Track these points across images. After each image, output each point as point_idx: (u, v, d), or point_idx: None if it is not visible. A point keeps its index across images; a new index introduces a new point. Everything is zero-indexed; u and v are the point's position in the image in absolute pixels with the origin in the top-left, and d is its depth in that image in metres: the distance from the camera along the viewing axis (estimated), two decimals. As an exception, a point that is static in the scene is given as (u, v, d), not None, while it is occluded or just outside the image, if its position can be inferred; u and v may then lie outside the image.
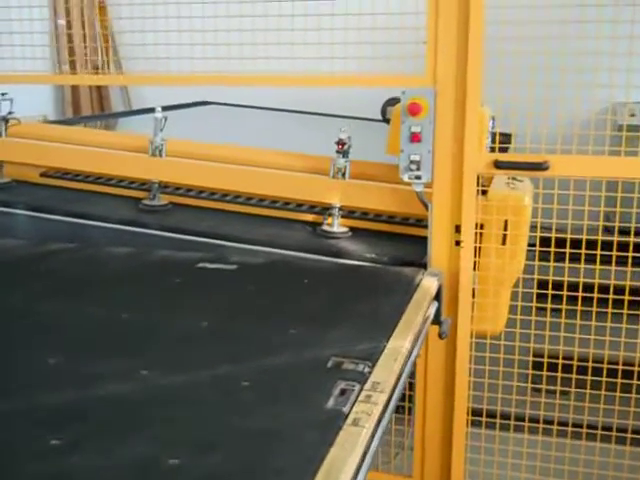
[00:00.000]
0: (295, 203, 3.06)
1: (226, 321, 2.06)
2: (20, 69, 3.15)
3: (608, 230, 2.88)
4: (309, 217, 3.07)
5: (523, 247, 2.66)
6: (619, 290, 2.66)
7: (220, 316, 2.09)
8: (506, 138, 2.96)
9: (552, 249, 2.69)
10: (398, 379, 1.77)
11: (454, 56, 2.45)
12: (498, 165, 2.43)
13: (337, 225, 2.94)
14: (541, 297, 2.78)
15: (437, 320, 2.48)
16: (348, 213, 2.99)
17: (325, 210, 2.96)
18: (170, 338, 1.93)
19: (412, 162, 2.53)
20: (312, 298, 2.24)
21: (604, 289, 2.67)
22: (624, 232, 2.87)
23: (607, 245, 2.66)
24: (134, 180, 3.24)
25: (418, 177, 2.55)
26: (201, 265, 2.56)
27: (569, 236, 2.65)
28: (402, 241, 2.92)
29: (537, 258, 2.73)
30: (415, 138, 2.50)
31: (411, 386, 2.78)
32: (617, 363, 2.72)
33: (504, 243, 2.62)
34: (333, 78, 2.62)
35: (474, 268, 2.58)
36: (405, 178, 2.56)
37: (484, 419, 2.80)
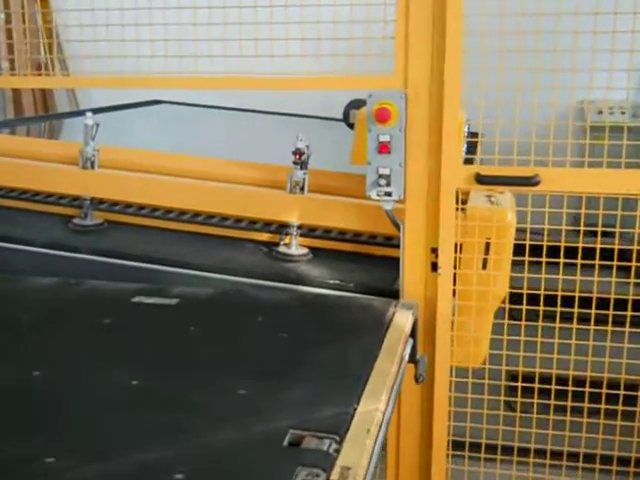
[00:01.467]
0: (248, 220, 2.70)
1: (160, 378, 1.69)
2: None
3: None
4: (264, 236, 2.71)
5: (507, 271, 2.34)
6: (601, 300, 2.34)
7: (154, 371, 1.72)
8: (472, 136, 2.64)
9: (526, 257, 2.33)
10: (371, 457, 1.42)
11: (428, 52, 2.11)
12: (480, 180, 2.09)
13: (295, 246, 2.58)
14: (515, 311, 2.45)
15: (412, 359, 2.14)
16: (308, 231, 2.64)
17: (282, 228, 2.61)
18: (88, 407, 1.55)
19: (381, 176, 2.18)
20: (266, 343, 1.88)
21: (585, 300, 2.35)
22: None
23: (587, 250, 2.31)
24: (64, 195, 2.84)
25: (388, 194, 2.20)
26: (137, 300, 2.19)
27: (545, 242, 2.28)
28: (369, 263, 2.58)
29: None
30: (383, 149, 2.16)
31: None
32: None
33: (485, 267, 2.29)
34: (284, 80, 2.26)
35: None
36: (373, 195, 2.21)
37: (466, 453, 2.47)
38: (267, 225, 2.68)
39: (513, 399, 2.55)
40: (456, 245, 2.23)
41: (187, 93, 5.16)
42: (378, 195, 2.20)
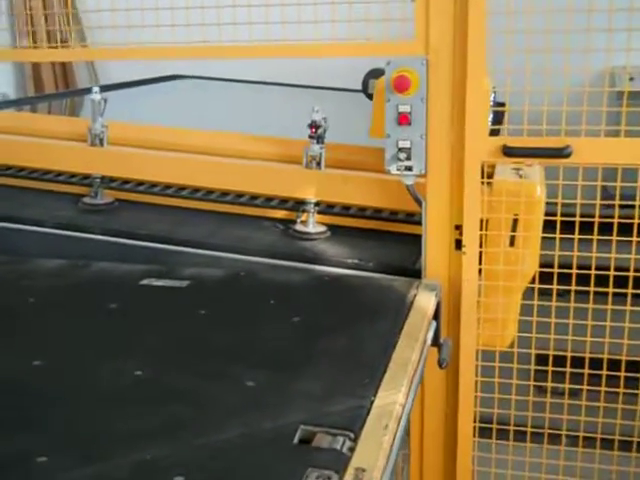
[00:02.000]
0: (263, 197, 2.58)
1: (165, 369, 1.59)
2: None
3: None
4: (280, 214, 2.60)
5: (536, 249, 2.19)
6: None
7: (159, 361, 1.63)
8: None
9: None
10: (389, 456, 1.31)
11: (450, 15, 1.95)
12: (507, 152, 1.95)
13: (313, 224, 2.46)
14: (544, 280, 2.29)
15: (436, 343, 2.02)
16: (326, 208, 2.51)
17: (299, 205, 2.49)
18: (87, 401, 1.46)
19: (401, 150, 2.05)
20: (278, 328, 1.77)
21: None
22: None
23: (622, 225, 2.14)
24: (75, 174, 2.74)
25: (409, 168, 2.07)
26: (145, 282, 2.09)
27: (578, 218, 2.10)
28: (390, 241, 2.45)
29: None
30: (403, 120, 2.02)
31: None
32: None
33: (512, 245, 2.15)
34: (295, 47, 2.12)
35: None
36: (392, 170, 2.08)
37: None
38: (284, 202, 2.56)
39: (543, 383, 2.40)
40: (482, 222, 2.10)
41: (211, 66, 5.06)
42: (398, 170, 2.07)
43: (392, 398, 1.44)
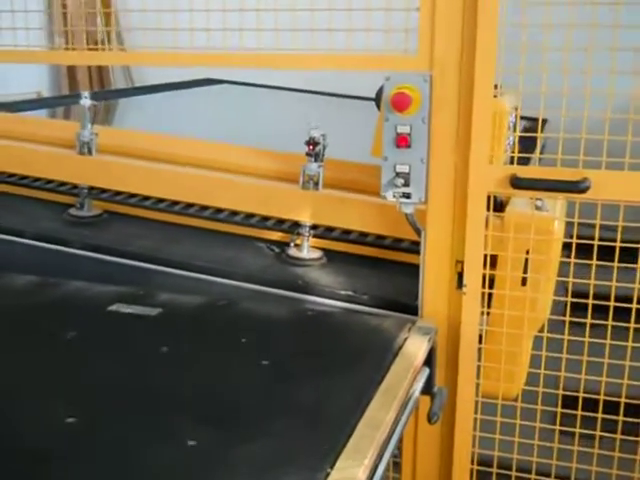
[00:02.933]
0: (259, 217, 2.39)
1: (102, 416, 1.40)
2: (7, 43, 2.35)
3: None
4: (276, 235, 2.40)
5: (550, 292, 1.96)
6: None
7: (98, 405, 1.44)
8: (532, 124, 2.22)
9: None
10: None
11: (458, 27, 1.74)
12: (516, 183, 1.72)
13: (307, 249, 2.27)
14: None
15: (428, 391, 1.80)
16: (324, 232, 2.31)
17: (295, 226, 2.29)
18: (3, 454, 1.27)
19: (398, 175, 1.84)
20: (241, 374, 1.57)
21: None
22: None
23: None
24: (64, 182, 2.59)
25: (407, 195, 1.85)
26: (114, 308, 1.91)
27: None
28: (392, 271, 2.24)
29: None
30: (402, 142, 1.81)
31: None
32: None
33: (524, 283, 1.92)
34: (282, 58, 1.92)
35: (482, 320, 1.89)
36: (389, 197, 1.87)
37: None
38: (280, 222, 2.36)
39: (551, 426, 2.12)
40: (490, 258, 1.87)
41: (234, 70, 4.90)
42: (395, 197, 1.86)
43: (350, 473, 1.23)
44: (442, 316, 1.90)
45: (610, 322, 1.83)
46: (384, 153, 1.84)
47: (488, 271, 1.83)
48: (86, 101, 2.40)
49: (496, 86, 2.19)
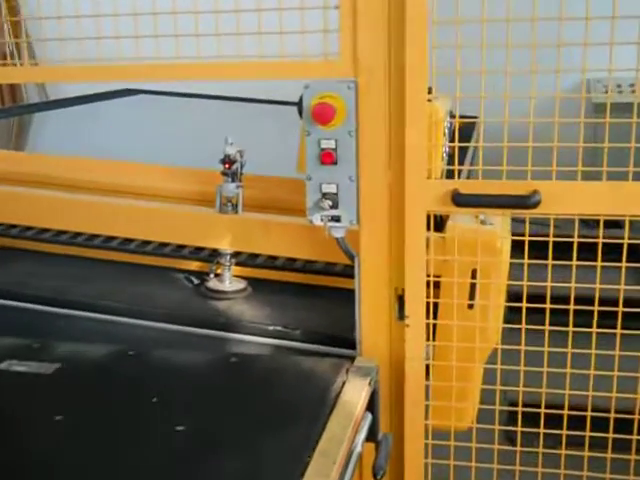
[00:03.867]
0: (174, 246, 2.14)
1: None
2: None
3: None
4: (194, 265, 2.16)
5: (500, 309, 1.77)
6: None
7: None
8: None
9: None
10: None
11: (384, 24, 1.53)
12: (458, 200, 1.51)
13: (229, 279, 2.03)
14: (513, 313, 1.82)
15: (372, 438, 1.58)
16: (247, 258, 2.08)
17: (215, 254, 2.04)
18: None
19: (325, 195, 1.61)
20: (149, 447, 1.32)
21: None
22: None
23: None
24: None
25: (336, 218, 1.63)
26: (4, 365, 1.64)
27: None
28: (326, 299, 2.04)
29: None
30: (327, 158, 1.58)
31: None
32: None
33: (471, 305, 1.71)
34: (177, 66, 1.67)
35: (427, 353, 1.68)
36: (315, 221, 1.64)
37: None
38: (198, 250, 2.12)
39: (513, 428, 1.87)
40: (434, 284, 1.66)
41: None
42: (322, 221, 1.63)
43: None
44: (383, 351, 1.68)
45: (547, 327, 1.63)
46: (307, 171, 1.62)
47: (432, 299, 1.62)
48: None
49: (430, 89, 2.01)
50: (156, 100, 4.82)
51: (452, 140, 2.04)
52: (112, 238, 2.16)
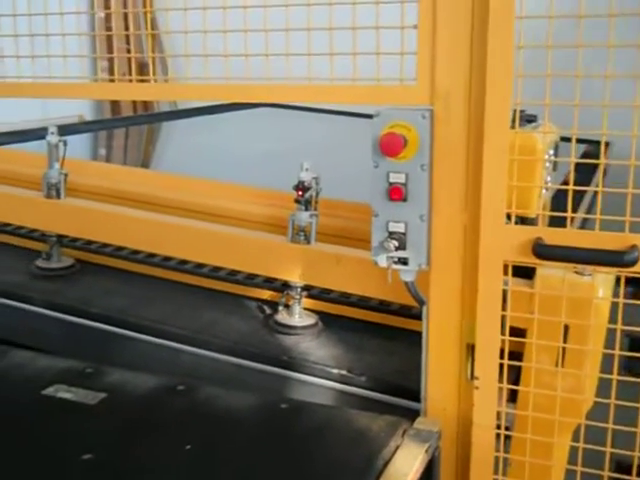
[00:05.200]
0: (247, 272, 2.04)
1: None
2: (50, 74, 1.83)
3: None
4: (266, 294, 2.05)
5: (594, 376, 1.53)
6: None
7: None
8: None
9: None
10: None
11: (466, 48, 1.35)
12: (540, 251, 1.31)
13: (299, 313, 1.90)
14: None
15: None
16: (321, 292, 1.94)
17: (287, 285, 1.92)
18: None
19: (392, 235, 1.44)
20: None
21: None
22: None
23: None
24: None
25: (403, 261, 1.46)
26: (50, 391, 1.58)
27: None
28: (399, 341, 1.87)
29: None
30: (396, 194, 1.42)
31: None
32: None
33: (560, 363, 1.49)
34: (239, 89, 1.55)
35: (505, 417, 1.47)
36: (381, 262, 1.48)
37: None
38: (271, 278, 2.00)
39: None
40: (510, 330, 1.45)
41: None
42: (387, 263, 1.47)
43: None
44: (451, 413, 1.50)
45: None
46: (374, 208, 1.46)
47: (506, 360, 1.42)
48: (52, 137, 2.08)
49: (532, 117, 1.80)
50: (278, 113, 4.80)
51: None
52: (186, 261, 2.09)
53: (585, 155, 3.09)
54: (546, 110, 1.33)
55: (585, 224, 1.95)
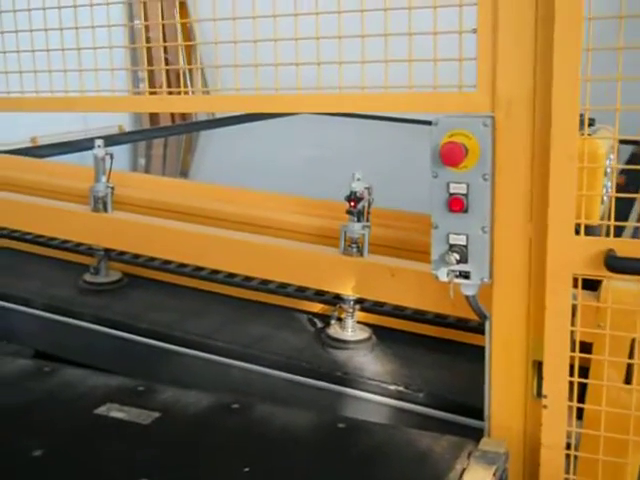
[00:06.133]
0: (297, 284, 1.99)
1: None
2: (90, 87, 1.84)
3: None
4: (317, 307, 2.00)
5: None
6: None
7: None
8: None
9: None
10: None
11: (530, 52, 1.29)
12: (611, 264, 1.24)
13: (352, 327, 1.85)
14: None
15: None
16: (373, 305, 1.89)
17: (339, 298, 1.88)
18: None
19: (452, 248, 1.39)
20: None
21: None
22: None
23: None
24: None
25: (464, 274, 1.40)
26: (103, 410, 1.56)
27: None
28: (456, 355, 1.81)
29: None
30: (456, 205, 1.36)
31: None
32: None
33: (629, 380, 1.42)
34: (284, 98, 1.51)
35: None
36: (441, 276, 1.42)
37: None
38: (322, 291, 1.96)
39: None
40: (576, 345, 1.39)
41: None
42: (449, 277, 1.41)
43: None
44: (517, 433, 1.43)
45: None
46: (434, 219, 1.40)
47: (577, 378, 1.35)
48: (99, 151, 2.07)
49: (591, 121, 1.73)
50: (313, 119, 4.77)
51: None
52: (234, 274, 2.05)
53: (634, 156, 3.01)
54: (617, 116, 1.26)
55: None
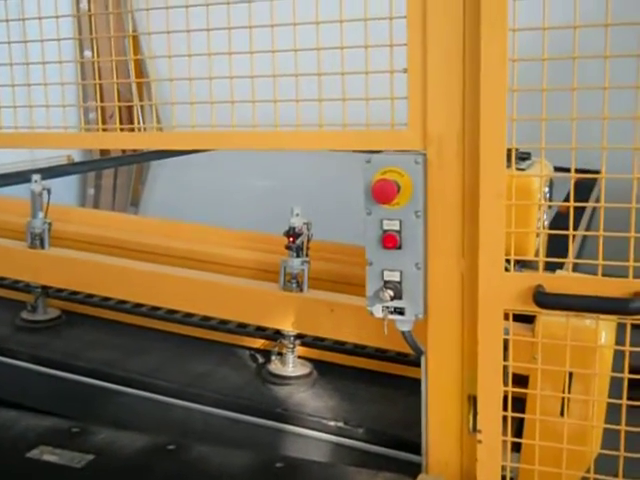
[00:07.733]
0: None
1: None
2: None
3: None
4: (258, 342, 1.99)
5: (599, 427, 1.47)
6: None
7: None
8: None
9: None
10: None
11: (459, 91, 1.31)
12: (541, 300, 1.26)
13: (293, 362, 1.84)
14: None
15: None
16: (314, 340, 1.89)
17: (279, 334, 1.87)
18: None
19: (387, 284, 1.39)
20: None
21: None
22: None
23: None
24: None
25: (399, 311, 1.41)
26: (35, 453, 1.51)
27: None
28: (396, 389, 1.81)
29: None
30: (390, 242, 1.37)
31: None
32: None
33: (563, 412, 1.43)
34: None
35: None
36: (376, 313, 1.43)
37: None
38: (263, 328, 1.95)
39: None
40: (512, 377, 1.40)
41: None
42: (383, 313, 1.42)
43: None
44: (453, 468, 1.44)
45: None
46: (367, 256, 1.41)
47: (510, 412, 1.36)
48: (36, 186, 2.04)
49: (525, 155, 1.77)
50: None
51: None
52: (175, 310, 2.03)
53: (577, 185, 3.07)
54: (542, 153, 1.29)
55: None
